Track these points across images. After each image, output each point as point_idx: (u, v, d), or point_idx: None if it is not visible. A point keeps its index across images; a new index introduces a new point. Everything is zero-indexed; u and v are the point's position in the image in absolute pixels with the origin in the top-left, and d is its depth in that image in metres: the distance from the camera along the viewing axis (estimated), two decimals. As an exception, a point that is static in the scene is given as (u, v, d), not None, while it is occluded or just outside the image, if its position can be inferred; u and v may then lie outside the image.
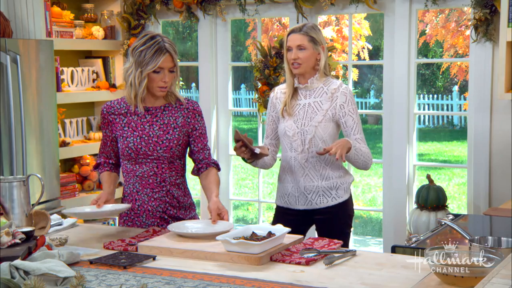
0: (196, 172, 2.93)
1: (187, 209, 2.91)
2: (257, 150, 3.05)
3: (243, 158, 3.13)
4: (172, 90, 2.83)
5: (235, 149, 3.05)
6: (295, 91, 3.22)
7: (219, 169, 2.93)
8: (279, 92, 3.29)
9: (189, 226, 2.62)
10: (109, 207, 2.72)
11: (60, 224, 2.81)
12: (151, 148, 2.79)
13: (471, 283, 1.88)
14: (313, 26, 3.19)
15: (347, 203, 3.27)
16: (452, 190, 8.62)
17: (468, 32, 4.85)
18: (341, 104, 3.15)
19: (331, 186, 3.21)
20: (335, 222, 3.24)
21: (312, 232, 3.44)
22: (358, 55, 9.75)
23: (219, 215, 2.67)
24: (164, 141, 2.79)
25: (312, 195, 3.21)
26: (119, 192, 3.10)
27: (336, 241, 2.48)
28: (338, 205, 3.23)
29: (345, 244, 3.22)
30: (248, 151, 3.04)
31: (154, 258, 2.30)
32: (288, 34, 3.18)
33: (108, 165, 2.95)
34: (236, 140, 3.03)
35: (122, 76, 2.84)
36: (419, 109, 12.88)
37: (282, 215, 3.27)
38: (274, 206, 3.39)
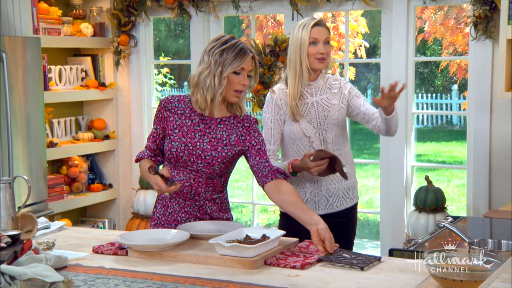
0: (262, 183, 2.68)
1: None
2: (346, 169, 2.97)
3: (293, 172, 2.98)
4: (240, 99, 2.70)
5: (317, 165, 2.88)
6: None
7: (286, 178, 2.64)
8: (281, 92, 3.09)
9: (200, 227, 2.60)
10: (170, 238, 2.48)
11: (48, 228, 2.77)
12: (192, 160, 2.64)
13: (471, 287, 1.84)
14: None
15: (357, 204, 3.24)
16: (451, 192, 8.60)
17: (467, 30, 4.80)
18: (349, 91, 3.14)
19: (349, 187, 3.15)
20: (349, 225, 3.20)
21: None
22: (355, 53, 9.70)
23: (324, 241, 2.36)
24: (207, 157, 2.63)
25: (333, 198, 3.11)
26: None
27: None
28: (353, 207, 3.19)
29: (351, 249, 3.18)
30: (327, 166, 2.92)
31: None
32: (312, 27, 3.02)
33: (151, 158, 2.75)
34: (321, 158, 2.88)
35: (192, 79, 2.66)
36: (417, 108, 12.84)
37: (295, 223, 2.88)
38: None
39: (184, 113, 2.68)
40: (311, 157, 2.91)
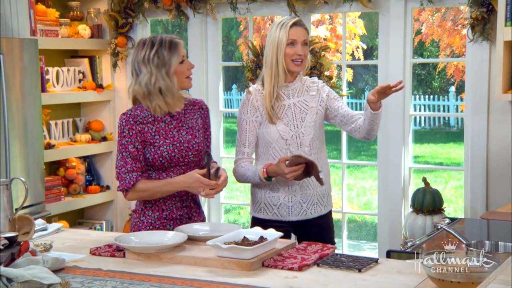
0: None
1: (201, 212, 2.87)
2: (322, 175, 2.92)
3: (268, 177, 2.93)
4: None
5: (293, 171, 2.83)
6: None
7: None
8: (258, 93, 2.99)
9: (197, 228, 2.62)
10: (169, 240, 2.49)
11: (45, 229, 2.77)
12: (183, 154, 2.73)
13: (468, 289, 1.84)
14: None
15: (331, 212, 3.17)
16: (449, 193, 8.59)
17: (464, 32, 4.79)
18: (327, 94, 3.07)
19: (323, 193, 3.08)
20: (326, 233, 3.12)
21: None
22: (352, 54, 9.70)
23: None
24: (194, 145, 2.75)
25: (307, 204, 3.03)
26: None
27: (329, 245, 2.43)
28: (327, 215, 3.12)
29: None
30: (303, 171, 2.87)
31: None
32: (291, 27, 2.93)
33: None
34: (297, 163, 2.83)
35: (139, 93, 2.69)
36: (415, 110, 12.84)
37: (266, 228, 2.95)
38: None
39: (155, 118, 2.72)
40: (287, 162, 2.84)
